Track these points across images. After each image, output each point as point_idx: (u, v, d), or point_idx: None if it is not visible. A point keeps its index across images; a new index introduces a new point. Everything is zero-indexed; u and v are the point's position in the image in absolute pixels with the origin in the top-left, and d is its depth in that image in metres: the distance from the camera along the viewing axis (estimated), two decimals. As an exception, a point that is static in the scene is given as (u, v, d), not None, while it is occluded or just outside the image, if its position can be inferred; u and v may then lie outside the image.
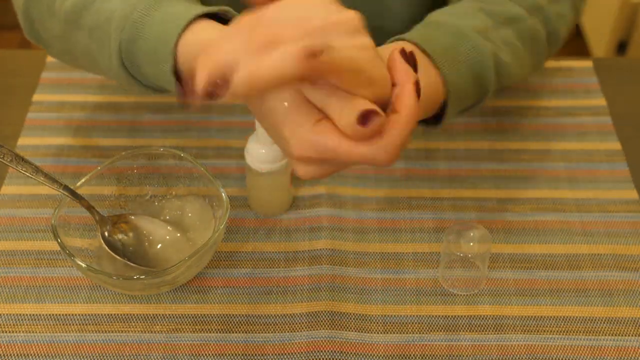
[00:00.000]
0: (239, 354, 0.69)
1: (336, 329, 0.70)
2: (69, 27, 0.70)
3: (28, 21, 0.75)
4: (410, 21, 0.90)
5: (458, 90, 0.66)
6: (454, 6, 0.73)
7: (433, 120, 0.68)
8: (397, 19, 0.92)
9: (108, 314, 0.72)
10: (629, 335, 0.71)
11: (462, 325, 0.72)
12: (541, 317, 0.72)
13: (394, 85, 0.54)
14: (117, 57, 0.66)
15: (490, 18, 0.71)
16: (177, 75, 0.64)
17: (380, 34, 0.93)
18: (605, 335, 0.71)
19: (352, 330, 0.70)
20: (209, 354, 0.69)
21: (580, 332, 0.71)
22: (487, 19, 0.71)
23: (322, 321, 0.71)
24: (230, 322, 0.72)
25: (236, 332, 0.71)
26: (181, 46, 0.62)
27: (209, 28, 0.63)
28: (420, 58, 0.64)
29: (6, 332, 0.71)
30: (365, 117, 0.51)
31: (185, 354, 0.69)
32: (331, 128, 0.53)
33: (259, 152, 0.74)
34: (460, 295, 0.74)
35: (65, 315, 0.72)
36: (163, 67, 0.63)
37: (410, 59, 0.55)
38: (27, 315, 0.72)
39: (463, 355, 0.69)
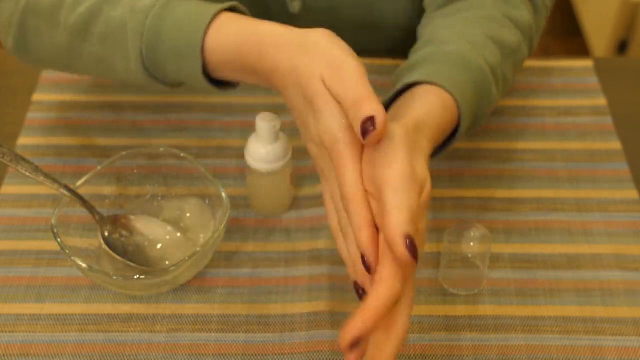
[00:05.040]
0: (239, 354, 0.69)
1: (336, 329, 0.70)
2: (77, 38, 0.71)
3: (21, 34, 0.74)
4: (409, 19, 0.91)
5: (468, 114, 0.68)
6: (469, 32, 0.72)
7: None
8: (396, 18, 0.92)
9: (108, 314, 0.72)
10: (629, 335, 0.71)
11: (463, 325, 0.71)
12: (541, 317, 0.72)
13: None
14: (138, 62, 0.68)
15: (499, 50, 0.72)
16: (205, 70, 0.67)
17: (378, 33, 0.93)
18: (606, 335, 0.71)
19: (352, 330, 0.70)
20: (209, 354, 0.69)
21: (580, 332, 0.71)
22: (497, 52, 0.72)
23: (322, 321, 0.71)
24: (230, 322, 0.72)
25: (236, 332, 0.71)
26: (207, 43, 0.65)
27: (228, 21, 0.65)
28: (441, 93, 0.66)
29: (6, 332, 0.71)
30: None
31: (185, 354, 0.69)
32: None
33: (259, 152, 0.74)
34: (461, 295, 0.74)
35: (65, 315, 0.72)
36: (190, 70, 0.66)
37: (411, 250, 0.54)
38: (27, 315, 0.72)
39: (463, 356, 0.69)
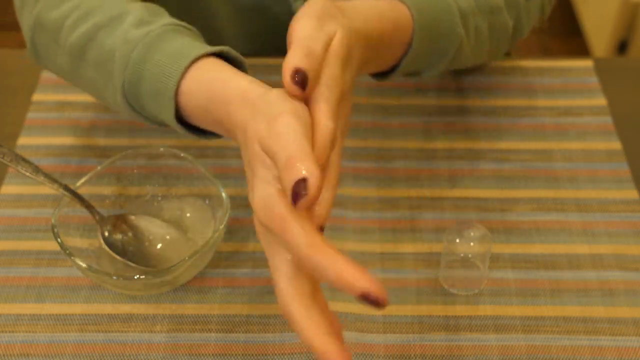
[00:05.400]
0: (239, 354, 0.69)
1: (336, 329, 0.70)
2: (75, 61, 0.70)
3: (33, 46, 0.75)
4: None
5: (423, 34, 0.69)
6: None
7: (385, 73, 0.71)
8: None
9: (108, 314, 0.72)
10: (629, 335, 0.71)
11: (462, 325, 0.71)
12: (541, 317, 0.72)
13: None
14: (122, 95, 0.66)
15: (475, 3, 0.74)
16: (181, 115, 0.64)
17: None
18: (606, 335, 0.71)
19: (352, 330, 0.70)
20: (209, 354, 0.69)
21: (580, 332, 0.71)
22: (472, 3, 0.74)
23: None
24: (230, 322, 0.72)
25: (236, 332, 0.71)
26: (183, 87, 0.62)
27: (207, 68, 0.62)
28: (397, 3, 0.68)
29: (6, 332, 0.71)
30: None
31: (185, 354, 0.69)
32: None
33: (259, 152, 0.74)
34: (460, 295, 0.74)
35: (65, 315, 0.72)
36: (165, 111, 0.64)
37: (299, 82, 0.54)
38: (27, 315, 0.72)
39: (463, 356, 0.69)
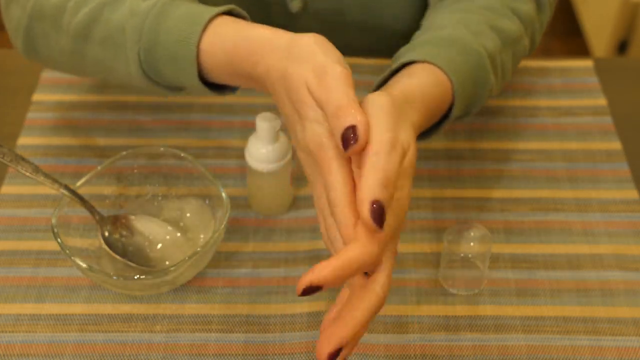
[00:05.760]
0: (239, 354, 0.69)
1: (336, 329, 0.70)
2: (80, 42, 0.71)
3: (29, 38, 0.75)
4: (411, 18, 0.91)
5: (463, 95, 0.68)
6: (467, 19, 0.72)
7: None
8: (397, 17, 0.92)
9: (108, 314, 0.72)
10: (629, 335, 0.71)
11: (463, 325, 0.71)
12: (541, 317, 0.72)
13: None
14: (136, 65, 0.68)
15: (499, 39, 0.73)
16: (202, 74, 0.67)
17: (379, 32, 0.93)
18: (606, 335, 0.71)
19: (352, 330, 0.70)
20: (209, 354, 0.69)
21: (580, 332, 0.71)
22: (497, 40, 0.72)
23: (322, 321, 0.71)
24: (230, 322, 0.72)
25: (236, 332, 0.71)
26: (203, 46, 0.65)
27: (223, 25, 0.65)
28: (435, 70, 0.66)
29: (6, 332, 0.71)
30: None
31: (185, 354, 0.69)
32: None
33: (259, 152, 0.74)
34: (461, 295, 0.74)
35: (65, 315, 0.72)
36: (187, 73, 0.66)
37: (377, 216, 0.53)
38: (27, 315, 0.72)
39: (463, 356, 0.69)
